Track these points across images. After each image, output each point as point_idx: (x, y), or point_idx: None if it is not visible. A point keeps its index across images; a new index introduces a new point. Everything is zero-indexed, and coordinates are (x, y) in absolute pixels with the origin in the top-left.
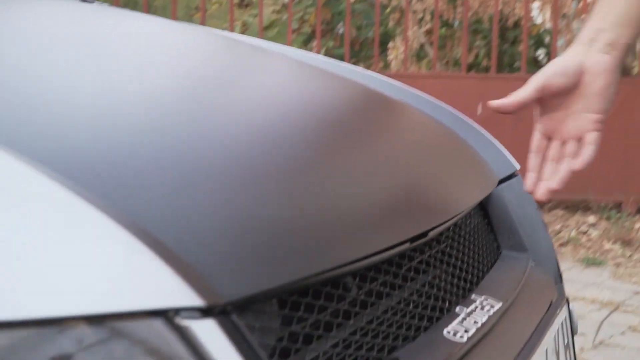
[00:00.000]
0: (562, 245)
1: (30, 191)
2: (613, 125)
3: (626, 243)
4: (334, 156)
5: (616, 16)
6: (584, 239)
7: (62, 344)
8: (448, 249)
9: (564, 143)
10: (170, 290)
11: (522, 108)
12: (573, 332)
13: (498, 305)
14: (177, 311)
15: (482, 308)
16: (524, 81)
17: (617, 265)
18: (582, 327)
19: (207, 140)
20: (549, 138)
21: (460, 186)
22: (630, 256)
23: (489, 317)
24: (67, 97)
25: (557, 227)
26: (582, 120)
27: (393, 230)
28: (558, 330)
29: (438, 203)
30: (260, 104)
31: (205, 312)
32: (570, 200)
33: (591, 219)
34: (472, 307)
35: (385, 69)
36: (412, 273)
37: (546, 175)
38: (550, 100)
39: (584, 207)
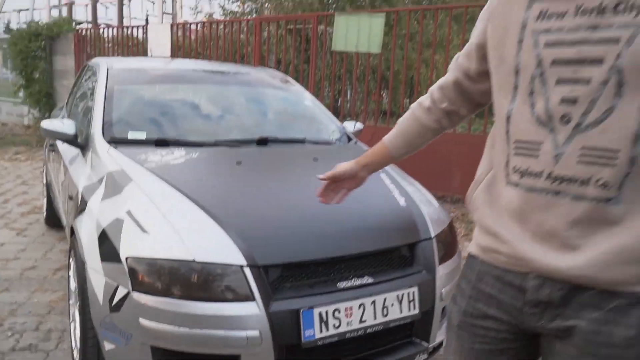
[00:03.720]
0: None
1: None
2: None
3: None
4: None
5: (373, 158)
6: None
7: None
8: (370, 259)
9: (339, 185)
10: (241, 258)
11: (334, 182)
12: (421, 299)
13: (370, 280)
14: (242, 266)
15: (363, 279)
16: None
17: None
18: None
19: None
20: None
21: (395, 235)
22: None
23: (361, 282)
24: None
25: None
26: (349, 185)
27: (349, 246)
28: (404, 294)
29: (380, 240)
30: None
31: (251, 267)
32: None
33: None
34: (360, 279)
35: None
36: (345, 265)
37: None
38: (338, 179)
39: None
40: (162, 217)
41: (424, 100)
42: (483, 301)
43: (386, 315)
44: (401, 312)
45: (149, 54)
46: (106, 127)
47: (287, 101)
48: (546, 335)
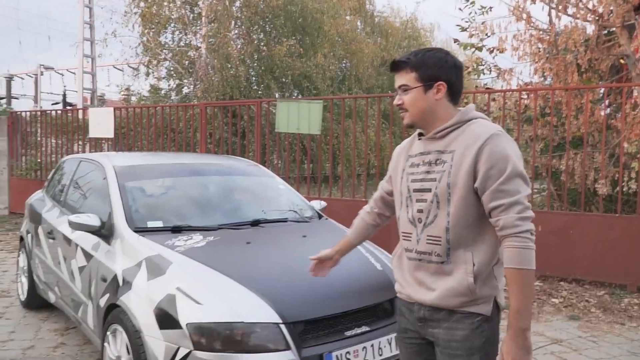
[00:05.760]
0: (565, 306)
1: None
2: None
3: (606, 310)
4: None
5: (342, 247)
6: (582, 304)
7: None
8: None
9: (323, 264)
10: (277, 317)
11: (320, 262)
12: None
13: (367, 328)
14: (279, 323)
15: (362, 328)
16: None
17: (587, 321)
18: None
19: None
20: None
21: (379, 293)
22: (600, 318)
23: (361, 331)
24: None
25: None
26: (329, 264)
27: (350, 303)
28: (391, 338)
29: (369, 297)
30: None
31: (284, 324)
32: (595, 280)
33: (601, 292)
34: (360, 328)
35: None
36: (348, 318)
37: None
38: (322, 259)
39: (601, 285)
40: (208, 290)
41: (366, 207)
42: (403, 321)
43: (381, 354)
44: (391, 351)
45: (90, 134)
46: (128, 218)
47: (264, 186)
48: (432, 343)
